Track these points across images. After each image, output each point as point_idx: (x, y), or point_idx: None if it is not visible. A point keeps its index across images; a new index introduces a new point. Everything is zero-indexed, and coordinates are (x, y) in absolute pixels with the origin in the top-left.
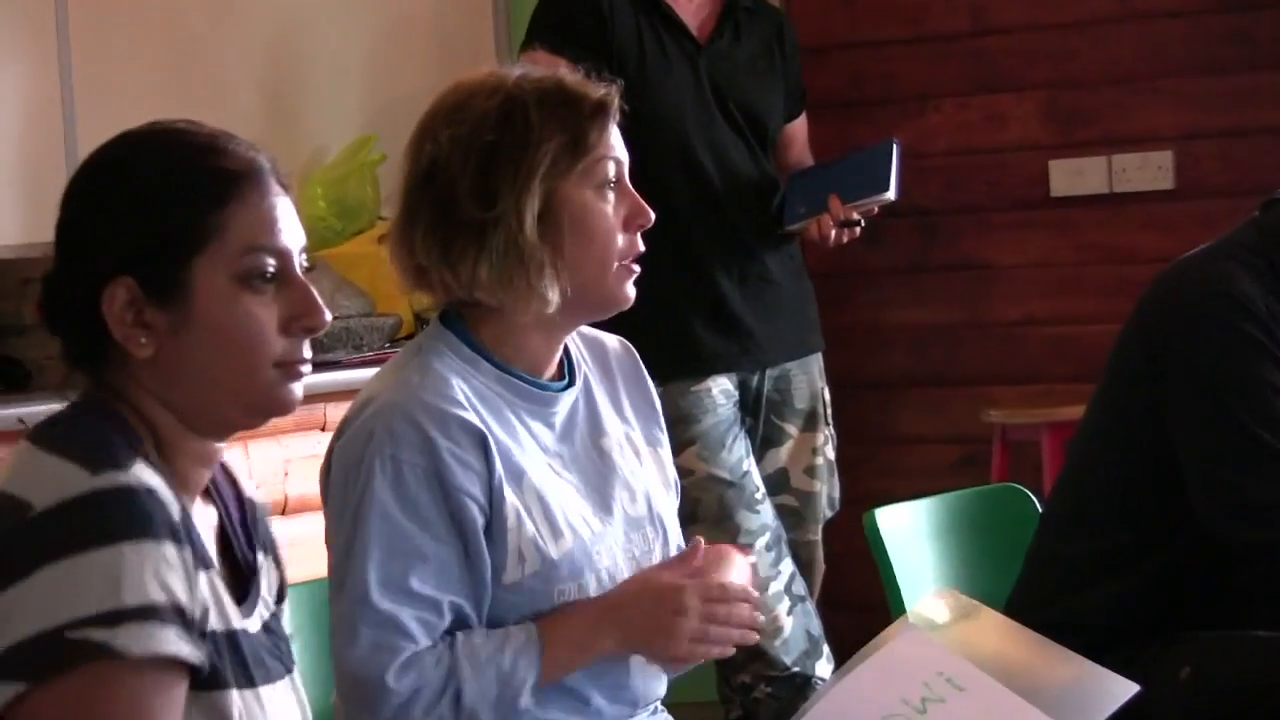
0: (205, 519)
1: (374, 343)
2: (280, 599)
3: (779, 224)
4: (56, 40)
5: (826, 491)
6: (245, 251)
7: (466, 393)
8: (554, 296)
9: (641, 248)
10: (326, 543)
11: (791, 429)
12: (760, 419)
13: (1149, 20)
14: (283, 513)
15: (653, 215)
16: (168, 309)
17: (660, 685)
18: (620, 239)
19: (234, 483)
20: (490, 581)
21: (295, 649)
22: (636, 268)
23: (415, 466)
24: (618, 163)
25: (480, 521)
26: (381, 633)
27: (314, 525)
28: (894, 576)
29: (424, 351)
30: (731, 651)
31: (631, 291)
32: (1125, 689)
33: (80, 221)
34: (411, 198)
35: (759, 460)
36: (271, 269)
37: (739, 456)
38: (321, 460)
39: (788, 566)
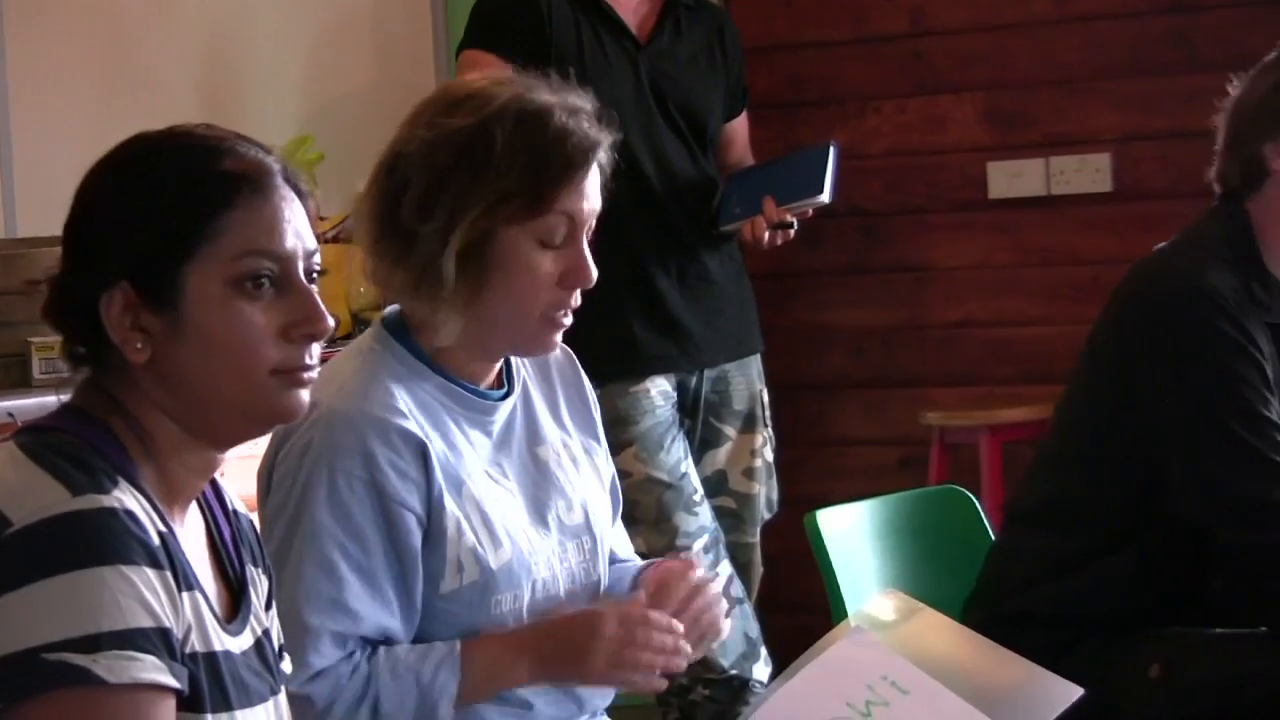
0: (195, 532)
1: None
2: (269, 605)
3: (716, 224)
4: None
5: (765, 493)
6: (241, 255)
7: (408, 401)
8: (451, 330)
9: (575, 303)
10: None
11: (730, 430)
12: (699, 420)
13: (1088, 22)
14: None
15: (593, 278)
16: (163, 313)
17: (607, 691)
18: (549, 293)
19: (220, 497)
20: (420, 596)
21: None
22: (566, 320)
23: (353, 476)
24: (573, 220)
25: (417, 534)
26: (302, 646)
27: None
28: (835, 578)
29: (366, 356)
30: (658, 681)
31: (555, 341)
32: (1069, 692)
33: (83, 223)
34: (377, 174)
35: (697, 462)
36: (269, 273)
37: (677, 458)
38: (260, 460)
39: (726, 568)
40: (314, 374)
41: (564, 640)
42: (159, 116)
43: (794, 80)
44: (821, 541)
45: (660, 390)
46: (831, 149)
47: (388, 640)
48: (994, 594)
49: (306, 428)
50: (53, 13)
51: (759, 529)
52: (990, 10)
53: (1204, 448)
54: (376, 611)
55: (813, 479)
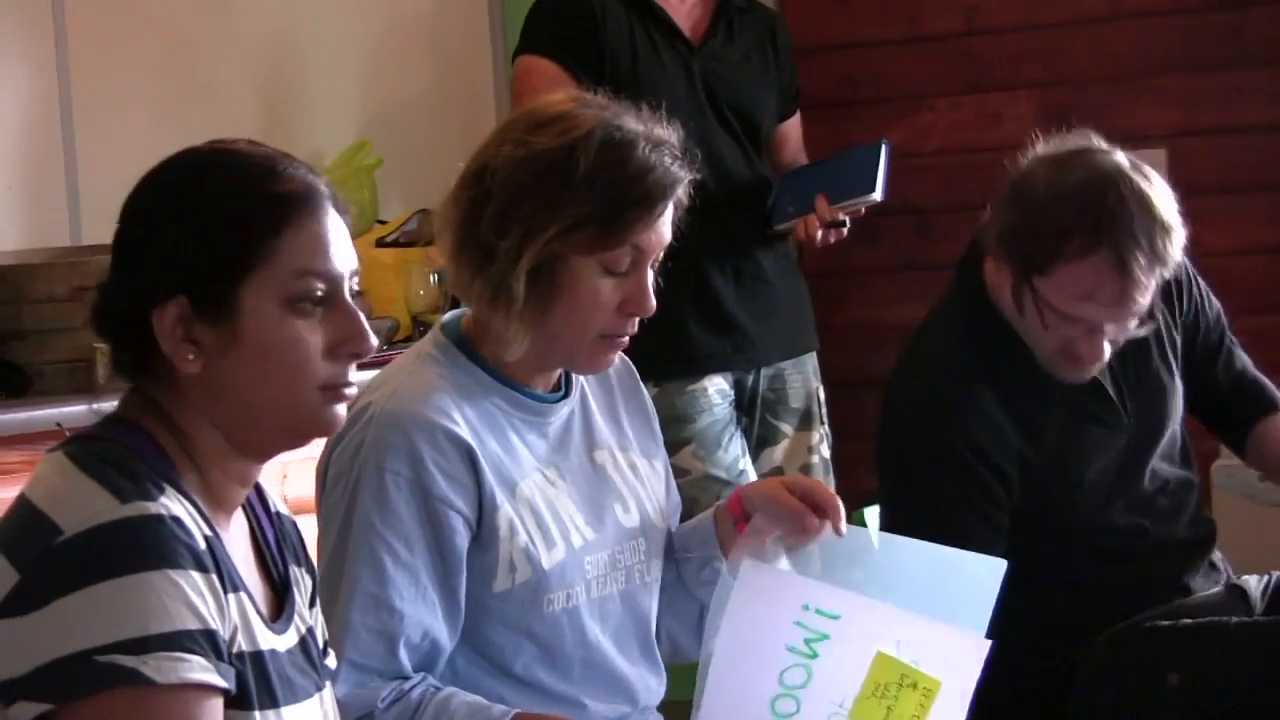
0: (239, 534)
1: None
2: (312, 604)
3: (769, 224)
4: (55, 48)
5: None
6: (296, 275)
7: (461, 405)
8: (518, 348)
9: (632, 330)
10: (318, 546)
11: (786, 428)
12: (755, 418)
13: (1141, 18)
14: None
15: (653, 308)
16: (217, 328)
17: (658, 685)
18: (608, 318)
19: (263, 499)
20: (464, 596)
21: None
22: (621, 342)
23: (400, 476)
24: (640, 251)
25: (463, 534)
26: (341, 640)
27: (313, 526)
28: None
29: (421, 359)
30: None
31: (609, 361)
32: (995, 568)
33: (137, 237)
34: (461, 184)
35: (754, 459)
36: (320, 293)
37: (735, 456)
38: (318, 462)
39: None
40: (354, 390)
41: None
42: (220, 124)
43: (848, 79)
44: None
45: (717, 389)
46: (884, 147)
47: (428, 640)
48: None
49: (360, 428)
50: (114, 22)
51: None
52: (1043, 8)
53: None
54: (419, 610)
55: (872, 474)
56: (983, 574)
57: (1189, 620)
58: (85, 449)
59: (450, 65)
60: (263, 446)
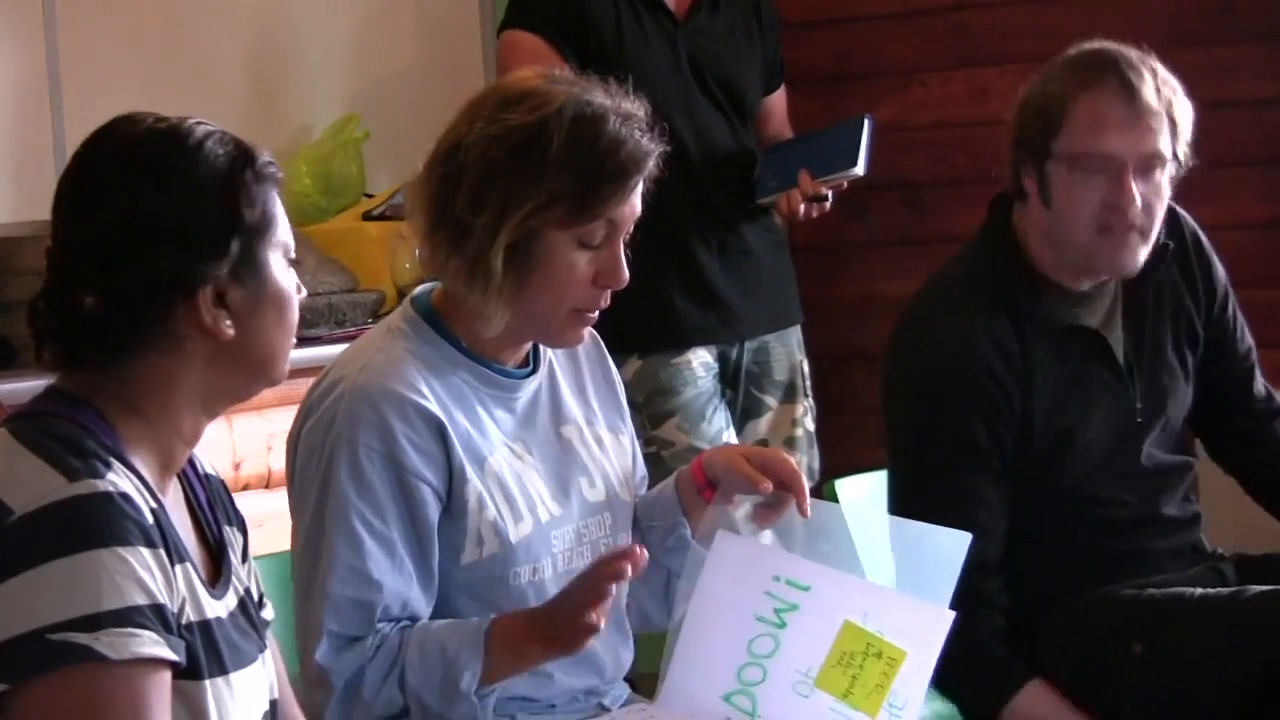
0: (176, 501)
1: (356, 319)
2: (244, 559)
3: (753, 197)
4: (44, 22)
5: (807, 462)
6: (285, 236)
7: (428, 378)
8: (498, 322)
9: (604, 303)
10: (292, 520)
11: (771, 401)
12: (740, 391)
13: None
14: (266, 486)
15: (625, 280)
16: (247, 287)
17: (627, 656)
18: (582, 291)
19: (191, 463)
20: (437, 567)
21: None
22: (592, 316)
23: (372, 450)
24: (614, 224)
25: (434, 506)
26: (321, 611)
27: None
28: (852, 545)
29: (390, 334)
30: (608, 597)
31: (581, 336)
32: (961, 539)
33: (175, 209)
34: (433, 162)
35: (739, 432)
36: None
37: (719, 428)
38: (288, 435)
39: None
40: None
41: (555, 614)
42: (208, 98)
43: (839, 54)
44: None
45: (701, 361)
46: (866, 122)
47: (408, 611)
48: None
49: (331, 402)
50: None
51: None
52: None
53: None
54: (396, 580)
55: (861, 447)
56: (948, 546)
57: (1155, 591)
58: (30, 426)
59: (438, 40)
60: (251, 391)
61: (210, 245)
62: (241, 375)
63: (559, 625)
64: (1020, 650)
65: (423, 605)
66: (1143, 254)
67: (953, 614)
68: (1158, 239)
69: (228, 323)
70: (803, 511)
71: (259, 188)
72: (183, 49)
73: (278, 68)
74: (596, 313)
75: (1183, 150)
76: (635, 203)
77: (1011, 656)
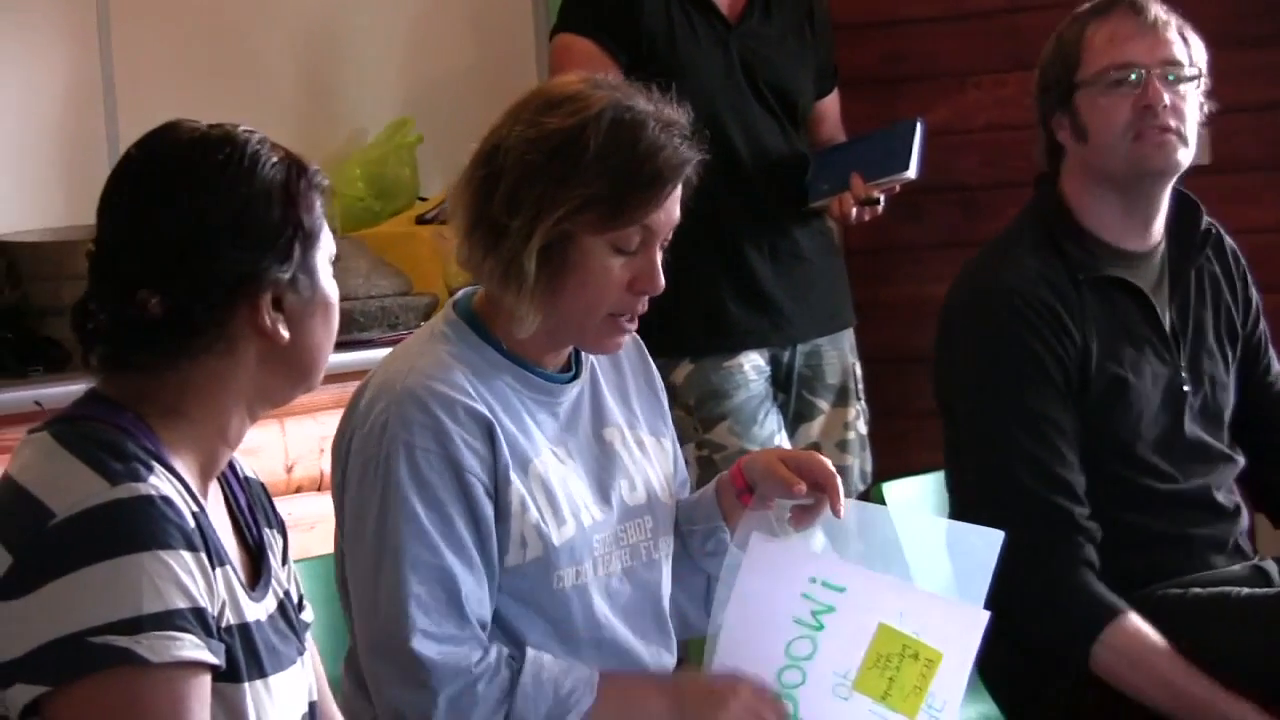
0: (216, 503)
1: (409, 322)
2: (284, 562)
3: (806, 201)
4: (97, 24)
5: (859, 465)
6: (330, 244)
7: (475, 383)
8: (530, 324)
9: (642, 309)
10: (340, 528)
11: (823, 404)
12: (792, 394)
13: None
14: (319, 488)
15: (661, 286)
16: (301, 292)
17: (670, 659)
18: (617, 297)
19: (232, 466)
20: (495, 564)
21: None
22: (631, 325)
23: (429, 451)
24: (649, 230)
25: (489, 504)
26: (424, 617)
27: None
28: (900, 550)
29: (433, 338)
30: None
31: (618, 343)
32: (993, 537)
33: (214, 223)
34: (474, 163)
35: (791, 435)
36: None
37: (771, 431)
38: (334, 442)
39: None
40: None
41: (705, 691)
42: (261, 102)
43: (893, 56)
44: None
45: (753, 365)
46: (918, 125)
47: (484, 609)
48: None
49: (381, 409)
50: (157, 2)
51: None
52: None
53: (975, 448)
54: (470, 578)
55: (918, 450)
56: (981, 545)
57: (1199, 590)
58: (71, 429)
59: (492, 43)
60: (294, 393)
61: (274, 249)
62: (287, 378)
63: (695, 704)
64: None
65: (489, 601)
66: (1183, 156)
67: (988, 614)
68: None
69: (284, 326)
70: (836, 512)
71: (312, 194)
72: (236, 53)
73: (331, 71)
74: (635, 320)
75: (1202, 66)
76: (673, 210)
77: (1102, 589)
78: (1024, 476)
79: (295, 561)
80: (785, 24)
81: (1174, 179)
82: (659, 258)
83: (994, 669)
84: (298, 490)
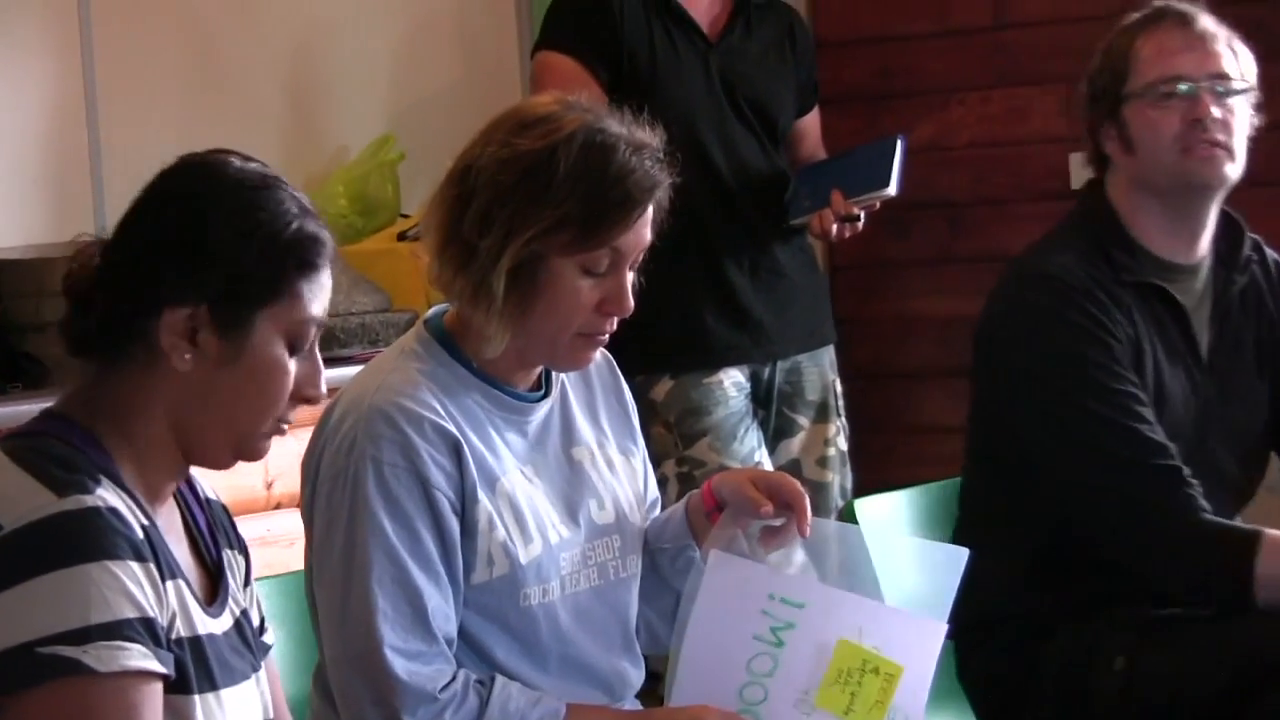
0: (172, 523)
1: (389, 338)
2: (246, 584)
3: (786, 218)
4: (80, 42)
5: (839, 482)
6: (304, 318)
7: (444, 400)
8: (499, 344)
9: (611, 329)
10: (309, 542)
11: (803, 420)
12: (772, 411)
13: None
14: (298, 505)
15: (630, 308)
16: (224, 341)
17: (637, 677)
18: (586, 318)
19: (192, 487)
20: (461, 580)
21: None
22: (601, 341)
23: (397, 467)
24: (619, 253)
25: (456, 523)
26: (392, 632)
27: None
28: (870, 566)
29: (403, 355)
30: None
31: (588, 359)
32: (958, 554)
33: (184, 228)
34: (447, 182)
35: (771, 452)
36: (309, 339)
37: (751, 448)
38: (303, 459)
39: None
40: (284, 433)
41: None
42: (245, 118)
43: (879, 73)
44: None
45: (734, 381)
46: (899, 143)
47: (450, 625)
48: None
49: (350, 425)
50: (140, 16)
51: (834, 517)
52: (1071, 2)
53: (1060, 433)
54: (436, 594)
55: (901, 466)
56: (945, 562)
57: (1157, 611)
58: (22, 444)
59: (476, 61)
60: (204, 455)
61: (203, 270)
62: (203, 418)
63: None
64: (1020, 663)
65: (454, 618)
66: (1230, 170)
67: (946, 626)
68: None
69: (187, 356)
70: (801, 532)
71: (293, 255)
72: (220, 70)
73: (314, 88)
74: (605, 338)
75: (1252, 80)
76: (643, 232)
77: (1226, 521)
78: (1121, 450)
79: (272, 577)
80: (766, 41)
81: (1222, 193)
82: (629, 279)
83: (975, 680)
84: (277, 507)
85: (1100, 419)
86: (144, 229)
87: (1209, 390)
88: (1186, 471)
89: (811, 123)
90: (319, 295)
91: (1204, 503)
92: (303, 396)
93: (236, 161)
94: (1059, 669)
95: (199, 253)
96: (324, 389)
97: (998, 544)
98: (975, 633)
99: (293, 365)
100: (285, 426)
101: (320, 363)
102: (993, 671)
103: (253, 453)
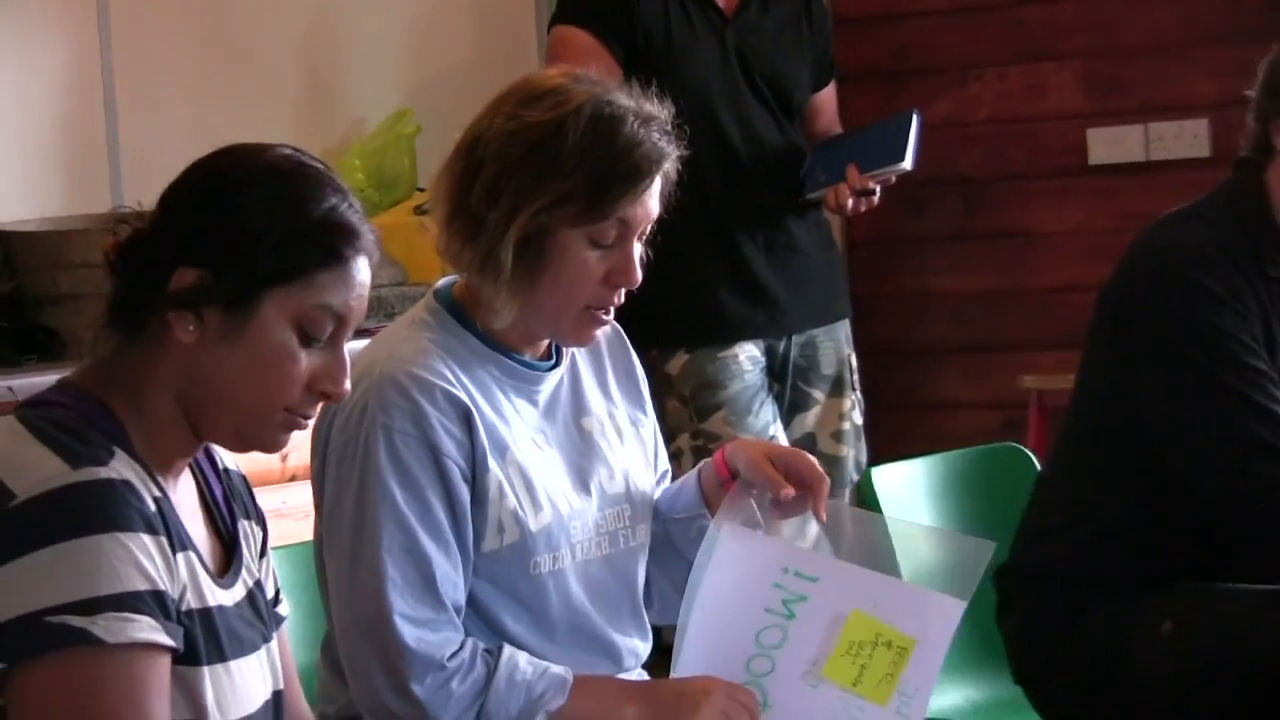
0: (187, 494)
1: (406, 311)
2: (262, 555)
3: (801, 193)
4: (97, 14)
5: (853, 456)
6: (319, 307)
7: (453, 367)
8: (506, 315)
9: (618, 302)
10: (319, 511)
11: (818, 394)
12: (787, 385)
13: None
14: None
15: (638, 280)
16: (227, 316)
17: (644, 647)
18: (594, 290)
19: (210, 458)
20: (471, 547)
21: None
22: (607, 317)
23: (408, 435)
24: (626, 225)
25: (467, 491)
26: (401, 600)
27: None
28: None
29: (414, 325)
30: None
31: (593, 335)
32: (986, 546)
33: (208, 201)
34: (455, 155)
35: (786, 426)
36: (329, 331)
37: (765, 422)
38: (313, 428)
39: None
40: (308, 424)
41: (677, 695)
42: (261, 92)
43: (897, 50)
44: (875, 498)
45: (749, 355)
46: (914, 117)
47: (459, 593)
48: (1018, 549)
49: (361, 393)
50: None
51: (848, 491)
52: None
53: (1194, 400)
54: (446, 562)
55: (916, 442)
56: (971, 553)
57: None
58: (37, 414)
59: (492, 34)
60: (208, 434)
61: (216, 235)
62: (206, 405)
63: (668, 710)
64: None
65: (463, 585)
66: None
67: (963, 603)
68: None
69: (190, 327)
70: (818, 516)
71: (312, 242)
72: (236, 43)
73: (331, 61)
74: (611, 313)
75: None
76: (651, 204)
77: None
78: (1255, 428)
79: (287, 547)
80: (782, 17)
81: None
82: (636, 252)
83: (1014, 630)
84: (292, 479)
85: (1236, 394)
86: (175, 200)
87: None
88: None
89: (827, 98)
90: (340, 286)
91: None
92: (319, 390)
93: (285, 150)
94: (1103, 631)
95: (217, 219)
96: (346, 386)
97: (1080, 506)
98: (1024, 584)
99: (305, 355)
100: (303, 421)
101: (344, 358)
102: (1033, 625)
103: (262, 442)
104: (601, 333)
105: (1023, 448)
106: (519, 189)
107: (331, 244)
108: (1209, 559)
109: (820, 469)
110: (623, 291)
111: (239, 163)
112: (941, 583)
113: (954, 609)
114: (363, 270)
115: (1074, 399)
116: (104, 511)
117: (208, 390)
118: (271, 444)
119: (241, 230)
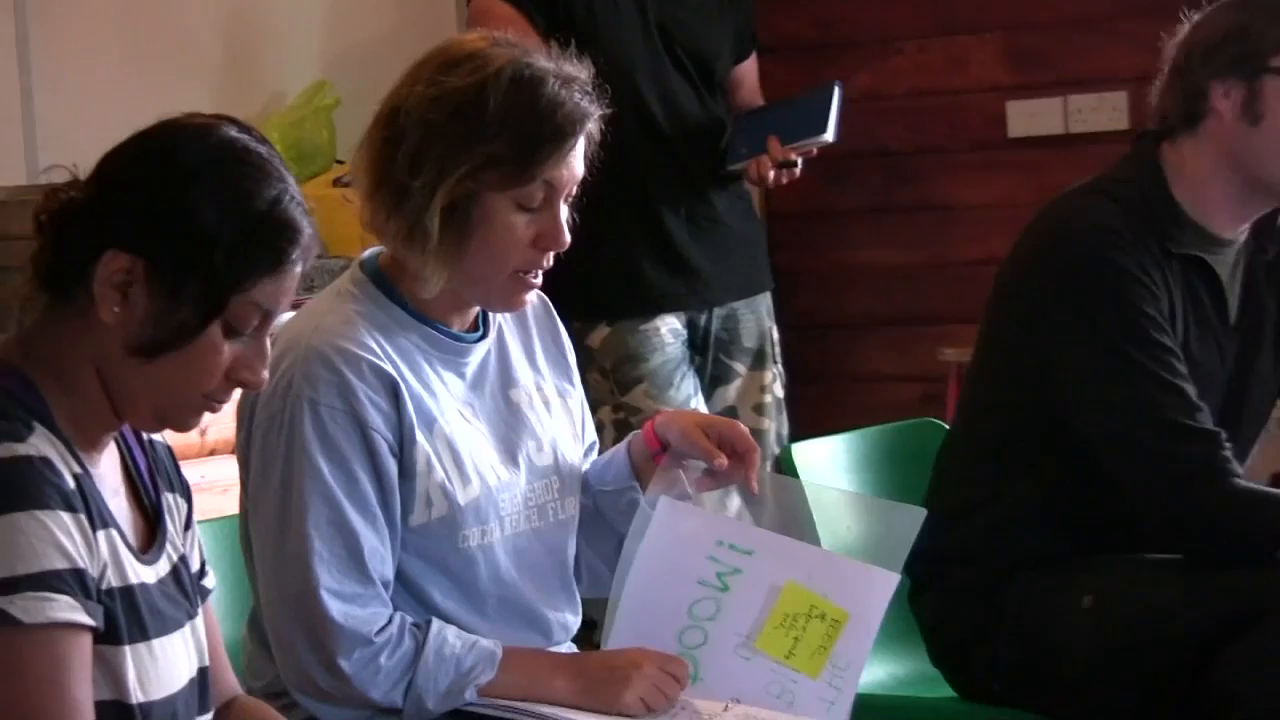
0: (110, 467)
1: (325, 284)
2: (187, 527)
3: (723, 165)
4: None
5: (775, 429)
6: (249, 304)
7: (381, 341)
8: (435, 284)
9: (547, 265)
10: (244, 485)
11: (740, 367)
12: (709, 357)
13: None
14: (232, 451)
15: (566, 241)
16: (156, 302)
17: (574, 620)
18: (522, 254)
19: (135, 430)
20: (399, 521)
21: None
22: (536, 281)
23: (334, 409)
24: (552, 187)
25: (393, 462)
26: (328, 574)
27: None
28: (809, 510)
29: (339, 296)
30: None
31: (523, 300)
32: (916, 514)
33: (159, 181)
34: (375, 125)
35: (708, 399)
36: (254, 327)
37: (687, 394)
38: (238, 403)
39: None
40: (220, 411)
41: (607, 667)
42: (180, 64)
43: (818, 22)
44: (795, 473)
45: (670, 328)
46: (836, 89)
47: (386, 567)
48: (927, 532)
49: (287, 366)
50: None
51: (769, 464)
52: None
53: (1102, 377)
54: (373, 536)
55: (838, 415)
56: (902, 521)
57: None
58: None
59: (411, 6)
60: (127, 416)
61: (153, 223)
62: (124, 387)
63: (598, 683)
64: (981, 600)
65: (390, 558)
66: None
67: (898, 576)
68: None
69: (115, 309)
70: (750, 488)
71: (260, 245)
72: (156, 15)
73: (250, 34)
74: (539, 278)
75: None
76: (575, 165)
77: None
78: (1164, 405)
79: (206, 522)
80: None
81: None
82: (563, 214)
83: (930, 614)
84: (211, 453)
85: (1145, 371)
86: (115, 171)
87: (1233, 363)
88: (1224, 435)
89: (749, 70)
90: (277, 289)
91: (1238, 468)
92: (238, 379)
93: (231, 131)
94: (1022, 607)
95: (155, 206)
96: (264, 375)
97: (990, 484)
98: (936, 565)
99: (228, 346)
100: (217, 406)
101: (266, 348)
102: (949, 606)
103: (177, 424)
104: (529, 304)
105: (941, 422)
106: (442, 156)
107: (277, 245)
108: (1124, 529)
109: (752, 439)
110: (551, 255)
111: (185, 143)
112: (870, 551)
113: (888, 582)
114: (296, 273)
115: (972, 375)
116: (21, 489)
117: (127, 371)
118: (187, 426)
119: (179, 219)
